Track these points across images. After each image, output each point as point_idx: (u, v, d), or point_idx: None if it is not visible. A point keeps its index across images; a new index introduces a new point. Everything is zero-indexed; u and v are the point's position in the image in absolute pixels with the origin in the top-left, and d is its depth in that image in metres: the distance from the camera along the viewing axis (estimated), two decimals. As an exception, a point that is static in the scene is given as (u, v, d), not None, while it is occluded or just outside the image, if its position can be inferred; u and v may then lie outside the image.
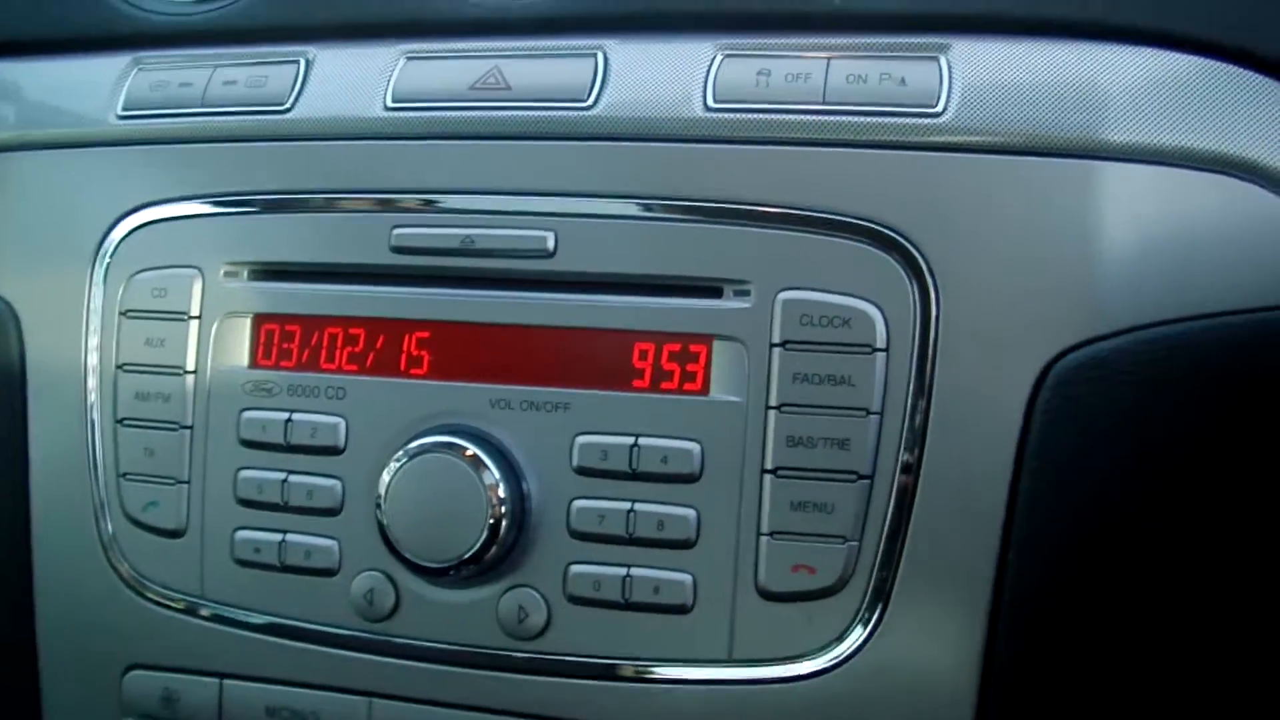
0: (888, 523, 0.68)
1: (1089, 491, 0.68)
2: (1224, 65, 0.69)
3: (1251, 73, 0.69)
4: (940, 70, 0.70)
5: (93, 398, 0.79)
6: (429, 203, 0.74)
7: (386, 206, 0.75)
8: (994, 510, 0.68)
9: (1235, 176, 0.68)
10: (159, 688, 0.79)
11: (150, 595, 0.79)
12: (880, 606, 0.69)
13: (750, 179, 0.70)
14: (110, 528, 0.79)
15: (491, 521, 0.71)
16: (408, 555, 0.72)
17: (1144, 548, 0.68)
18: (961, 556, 0.68)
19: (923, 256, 0.68)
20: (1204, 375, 0.67)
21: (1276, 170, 0.68)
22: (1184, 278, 0.67)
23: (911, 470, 0.68)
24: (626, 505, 0.71)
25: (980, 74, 0.69)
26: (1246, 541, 0.68)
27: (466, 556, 0.71)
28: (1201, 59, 0.69)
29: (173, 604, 0.79)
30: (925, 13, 0.72)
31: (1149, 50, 0.69)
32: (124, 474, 0.79)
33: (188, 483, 0.78)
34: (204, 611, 0.78)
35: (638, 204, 0.72)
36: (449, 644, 0.74)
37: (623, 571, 0.71)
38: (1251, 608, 0.69)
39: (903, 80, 0.70)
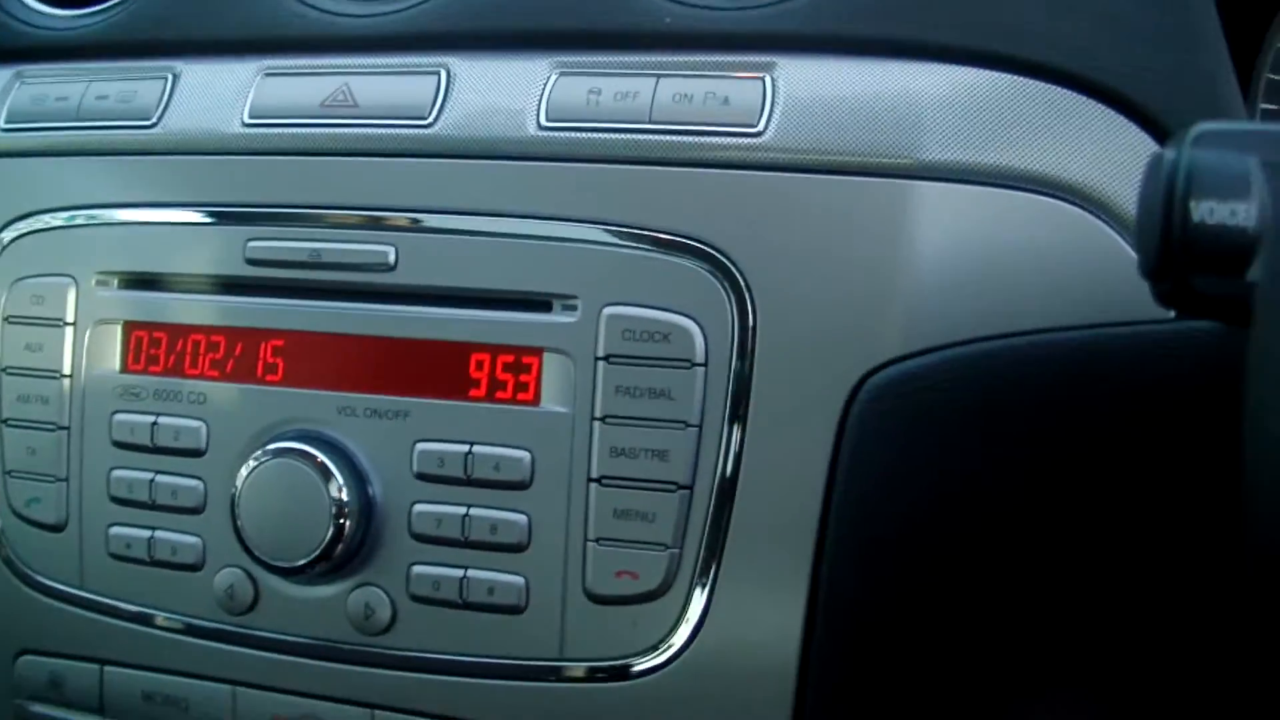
0: (707, 530, 0.71)
1: (899, 501, 0.70)
2: (1041, 84, 0.70)
3: (1068, 91, 0.71)
4: (764, 90, 0.71)
5: (-19, 399, 0.83)
6: (280, 217, 0.77)
7: (242, 220, 0.78)
8: (809, 518, 0.70)
9: (1050, 196, 0.70)
10: (46, 672, 0.83)
11: (36, 585, 0.83)
12: (702, 610, 0.71)
13: (578, 197, 0.73)
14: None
15: (337, 523, 0.74)
16: (260, 554, 0.75)
17: (949, 553, 0.70)
18: (778, 562, 0.70)
19: (740, 273, 0.70)
20: (1014, 392, 0.69)
21: (1090, 189, 0.70)
22: (997, 295, 0.69)
23: (729, 480, 0.70)
24: (462, 510, 0.74)
25: (803, 93, 0.71)
26: (1045, 548, 0.70)
27: (315, 556, 0.74)
28: (1018, 78, 0.71)
29: (57, 594, 0.83)
30: (754, 31, 0.74)
31: (966, 70, 0.71)
32: (9, 471, 0.83)
33: (66, 480, 0.82)
34: (85, 602, 0.82)
35: (472, 220, 0.74)
36: (304, 638, 0.77)
37: (459, 573, 0.74)
38: (1053, 609, 0.72)
39: (726, 99, 0.72)
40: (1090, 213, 0.70)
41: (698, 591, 0.71)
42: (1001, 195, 0.70)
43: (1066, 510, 0.70)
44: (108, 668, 0.82)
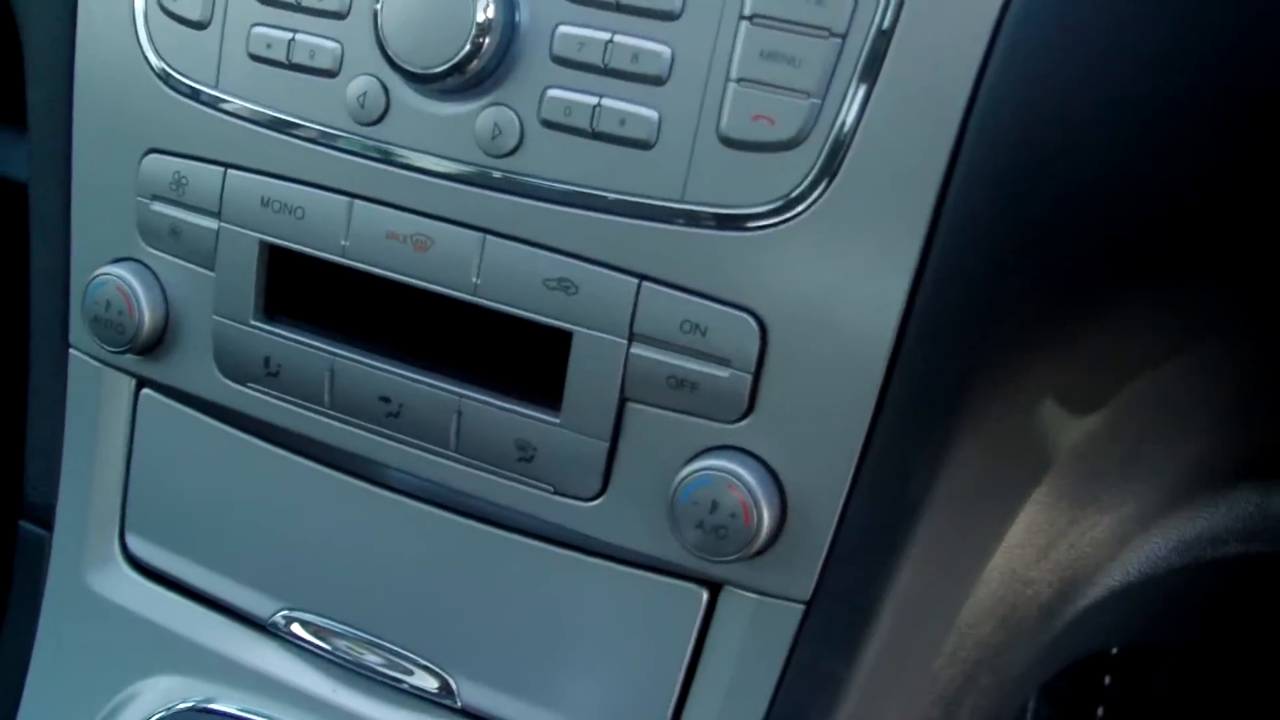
0: (853, 84, 0.69)
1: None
2: None
3: None
4: None
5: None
6: None
7: None
8: (961, 86, 0.67)
9: None
10: (171, 171, 0.84)
11: (173, 83, 0.83)
12: (833, 170, 0.69)
13: None
14: (142, 8, 0.83)
15: (475, 41, 0.73)
16: (398, 59, 0.74)
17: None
18: (921, 129, 0.68)
19: None
20: None
21: None
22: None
23: (885, 33, 0.68)
24: (607, 35, 0.72)
25: None
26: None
27: (451, 64, 0.73)
28: None
29: (192, 93, 0.83)
30: None
31: None
32: (151, -32, 0.82)
33: (212, -24, 0.81)
34: (218, 102, 0.82)
35: None
36: (428, 153, 0.77)
37: (594, 100, 0.73)
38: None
39: None
40: None
41: (832, 148, 0.69)
42: None
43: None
44: (231, 171, 0.82)
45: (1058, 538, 0.89)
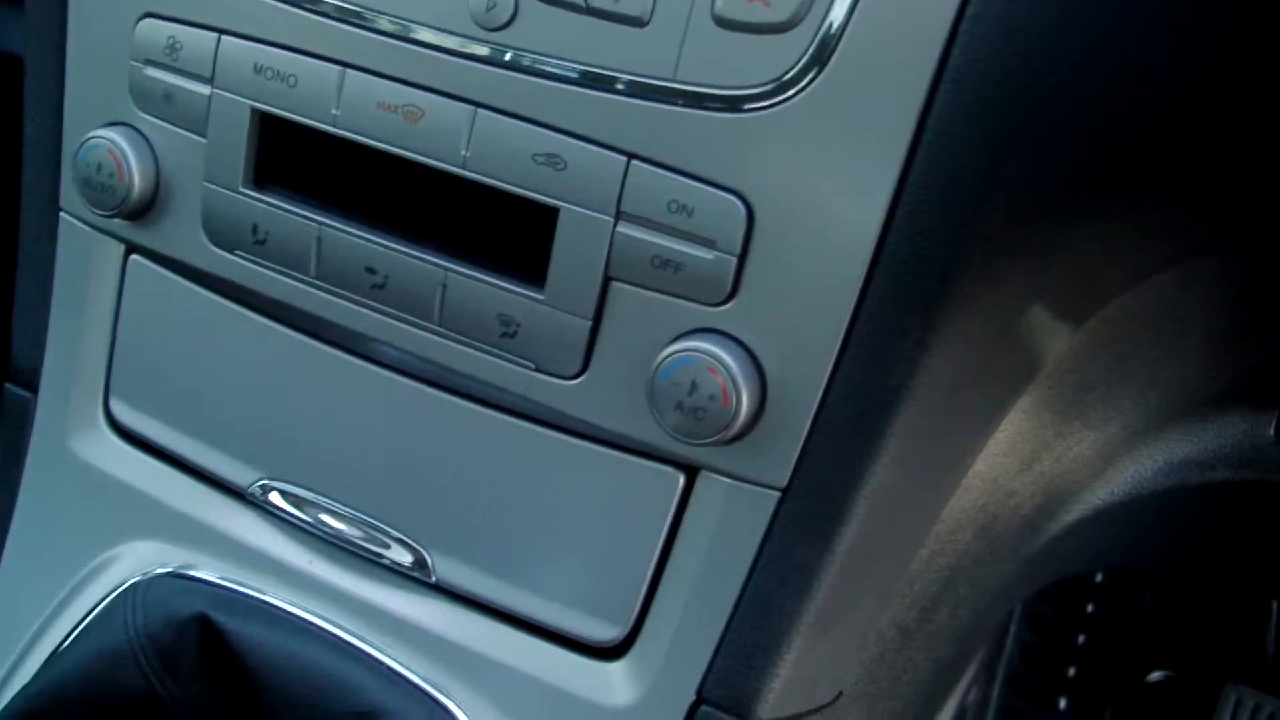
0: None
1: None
2: None
3: None
4: None
5: None
6: None
7: None
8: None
9: None
10: (165, 36, 0.83)
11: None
12: (825, 56, 0.68)
13: None
14: None
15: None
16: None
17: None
18: (915, 15, 0.67)
19: None
20: None
21: None
22: None
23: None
24: (604, -93, 0.71)
25: None
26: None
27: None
28: None
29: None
30: None
31: None
32: None
33: None
34: (211, -32, 0.81)
35: None
36: (421, 23, 0.76)
37: (586, -27, 0.72)
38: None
39: None
40: None
41: (827, 28, 0.68)
42: None
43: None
44: (225, 36, 0.81)
45: (1042, 450, 0.89)
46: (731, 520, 0.75)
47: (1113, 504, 0.99)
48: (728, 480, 0.75)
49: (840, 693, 0.83)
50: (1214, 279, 0.87)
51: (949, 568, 0.88)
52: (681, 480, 0.76)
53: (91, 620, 0.87)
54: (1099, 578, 1.47)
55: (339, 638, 0.83)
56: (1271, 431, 1.00)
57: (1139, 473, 0.99)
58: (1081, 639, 1.45)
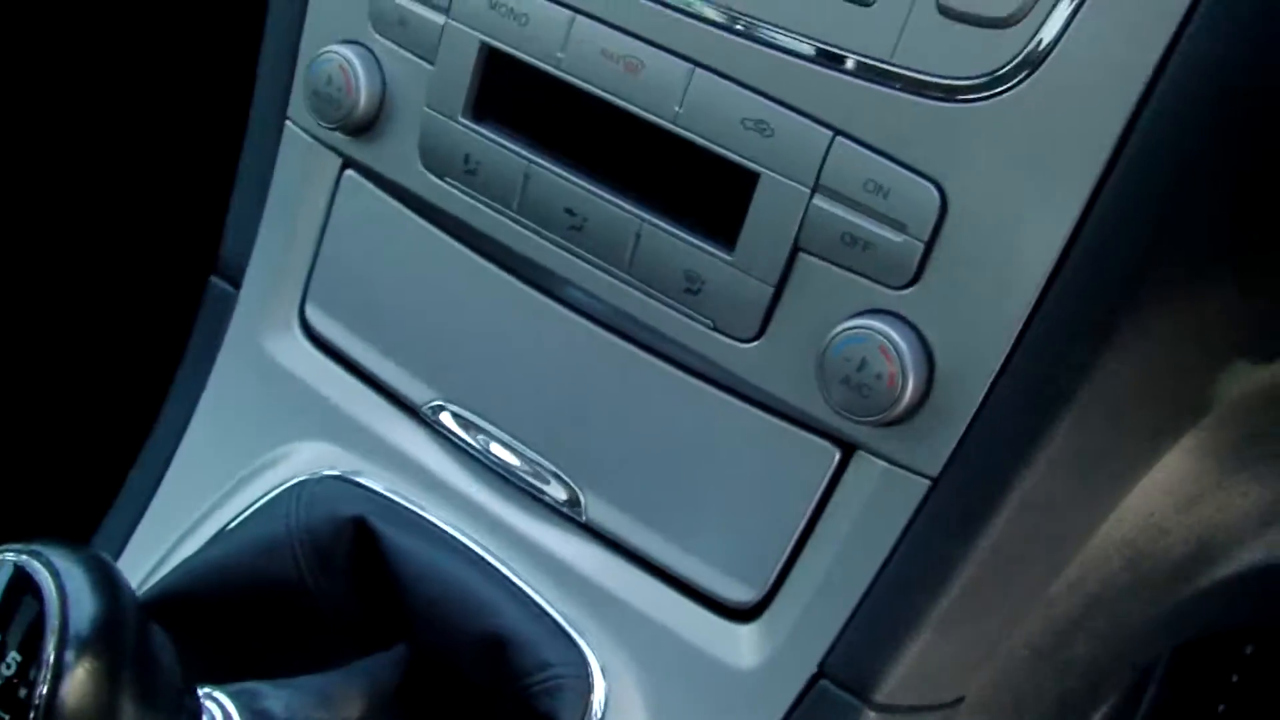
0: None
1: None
2: None
3: None
4: None
5: None
6: None
7: None
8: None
9: None
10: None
11: None
12: (1040, 57, 0.69)
13: None
14: None
15: None
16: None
17: None
18: (1133, 30, 0.67)
19: None
20: None
21: None
22: None
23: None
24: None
25: None
26: None
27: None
28: None
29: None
30: None
31: None
32: None
33: None
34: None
35: None
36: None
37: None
38: None
39: None
40: None
41: (1047, 28, 0.69)
42: None
43: None
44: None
45: (1204, 495, 0.88)
46: (879, 502, 0.76)
47: (1271, 566, 0.97)
48: (882, 463, 0.76)
49: (962, 697, 0.84)
50: None
51: (1090, 596, 0.88)
52: (837, 456, 0.78)
53: (257, 509, 0.91)
54: (1249, 649, 1.44)
55: (486, 561, 0.86)
56: None
57: (1303, 541, 0.97)
58: (1221, 708, 1.42)
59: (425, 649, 0.85)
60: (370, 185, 0.92)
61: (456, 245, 0.89)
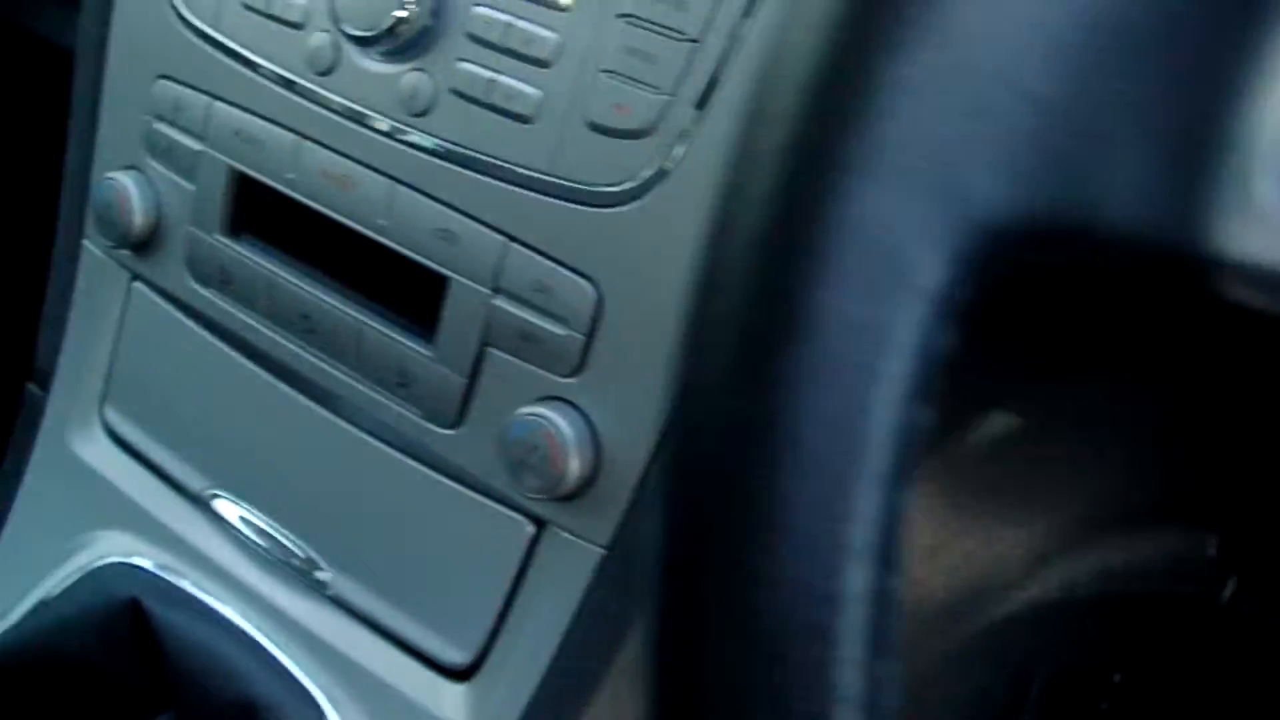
0: (704, 84, 0.76)
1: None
2: None
3: None
4: None
5: None
6: None
7: None
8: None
9: None
10: (172, 96, 0.97)
11: (185, 22, 0.96)
12: (671, 163, 0.77)
13: None
14: None
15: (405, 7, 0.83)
16: (343, 19, 0.86)
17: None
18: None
19: None
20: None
21: None
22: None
23: (741, 40, 0.76)
24: (509, 19, 0.82)
25: None
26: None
27: (384, 28, 0.84)
28: None
29: (196, 31, 0.95)
30: None
31: None
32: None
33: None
34: (214, 41, 0.95)
35: None
36: (360, 105, 0.88)
37: (492, 75, 0.83)
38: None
39: None
40: None
41: (676, 138, 0.77)
42: None
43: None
44: (215, 102, 0.94)
45: (946, 543, 0.95)
46: (564, 570, 0.84)
47: (1047, 603, 1.04)
48: (565, 534, 0.84)
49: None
50: (1139, 400, 0.92)
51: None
52: (530, 530, 0.85)
53: (57, 594, 1.01)
54: (1117, 678, 1.49)
55: (245, 632, 0.94)
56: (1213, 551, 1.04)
57: (1071, 576, 1.04)
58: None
59: (190, 717, 0.94)
60: (154, 295, 1.01)
61: (224, 348, 0.98)
